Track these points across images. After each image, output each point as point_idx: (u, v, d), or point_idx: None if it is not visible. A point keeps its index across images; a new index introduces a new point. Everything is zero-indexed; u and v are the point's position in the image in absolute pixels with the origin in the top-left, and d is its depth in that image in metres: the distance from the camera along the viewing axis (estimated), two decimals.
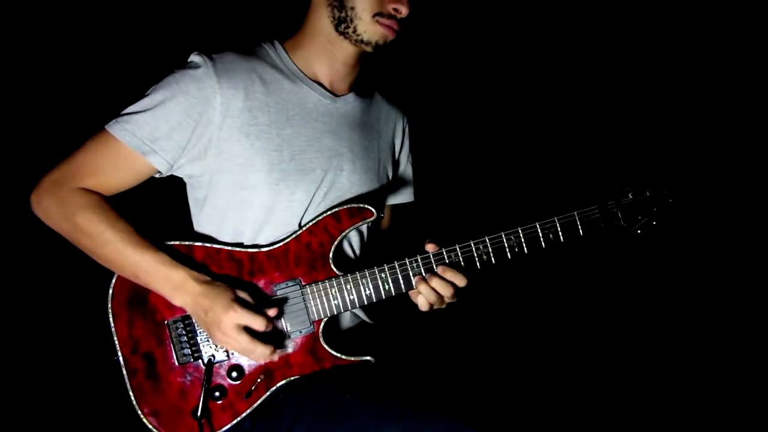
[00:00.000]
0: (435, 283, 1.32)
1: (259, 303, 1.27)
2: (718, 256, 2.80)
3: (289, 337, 1.32)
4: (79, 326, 2.04)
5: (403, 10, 1.33)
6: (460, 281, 1.32)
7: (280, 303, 1.31)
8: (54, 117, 2.19)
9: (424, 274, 1.34)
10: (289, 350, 1.32)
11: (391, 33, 1.36)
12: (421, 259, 1.35)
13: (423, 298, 1.34)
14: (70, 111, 2.17)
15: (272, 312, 1.27)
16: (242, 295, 1.25)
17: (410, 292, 1.37)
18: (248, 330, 1.22)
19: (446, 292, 1.32)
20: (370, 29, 1.35)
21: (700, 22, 2.76)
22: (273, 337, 1.29)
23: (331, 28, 1.38)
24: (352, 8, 1.34)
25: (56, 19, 2.19)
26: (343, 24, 1.36)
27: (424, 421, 1.15)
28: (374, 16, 1.33)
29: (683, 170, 1.47)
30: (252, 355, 1.25)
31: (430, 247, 1.35)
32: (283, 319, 1.32)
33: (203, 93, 1.29)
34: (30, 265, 2.17)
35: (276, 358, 1.28)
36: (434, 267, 1.35)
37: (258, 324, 1.21)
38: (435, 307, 1.36)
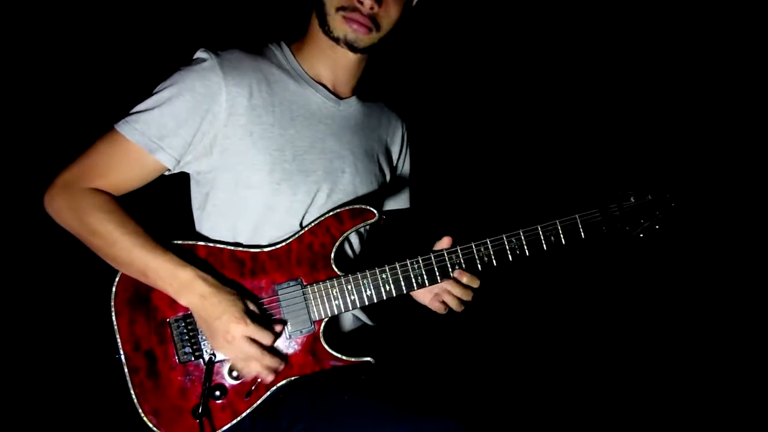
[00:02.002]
0: (465, 280, 1.37)
1: (264, 316, 1.29)
2: (721, 260, 2.79)
3: (290, 336, 1.32)
4: (82, 324, 2.05)
5: (366, 2, 1.30)
6: (474, 283, 1.37)
7: (284, 322, 1.32)
8: (65, 117, 2.20)
9: (425, 276, 1.35)
10: (290, 351, 1.33)
11: (362, 30, 1.33)
12: (422, 260, 1.35)
13: (454, 299, 1.38)
14: (81, 110, 2.18)
15: (278, 328, 1.29)
16: (252, 307, 1.26)
17: (428, 299, 1.42)
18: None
19: (468, 296, 1.38)
20: (338, 25, 1.34)
21: (701, 25, 2.75)
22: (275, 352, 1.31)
23: (321, 30, 1.39)
24: (323, 5, 1.34)
25: (64, 19, 2.20)
26: (323, 24, 1.36)
27: (424, 423, 1.15)
28: (338, 10, 1.33)
29: (686, 174, 1.46)
30: (256, 365, 1.25)
31: (445, 242, 1.38)
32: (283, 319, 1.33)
33: (209, 89, 1.29)
34: (33, 263, 2.18)
35: (282, 367, 1.28)
36: (435, 268, 1.36)
37: (266, 339, 1.23)
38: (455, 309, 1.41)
